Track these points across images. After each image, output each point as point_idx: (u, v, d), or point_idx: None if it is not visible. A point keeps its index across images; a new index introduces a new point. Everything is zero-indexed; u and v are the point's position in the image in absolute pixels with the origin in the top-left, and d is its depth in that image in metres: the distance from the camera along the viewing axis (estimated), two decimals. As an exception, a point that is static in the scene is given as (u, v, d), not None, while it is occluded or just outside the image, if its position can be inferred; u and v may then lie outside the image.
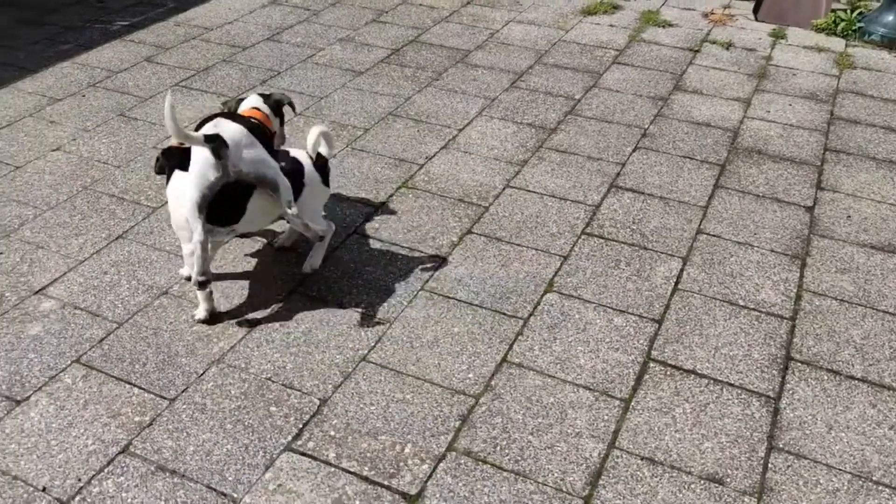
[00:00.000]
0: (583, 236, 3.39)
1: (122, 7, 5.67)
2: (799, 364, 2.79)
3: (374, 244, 3.30)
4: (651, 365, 2.76)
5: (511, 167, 3.87)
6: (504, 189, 3.70)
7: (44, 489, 2.26)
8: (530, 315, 2.95)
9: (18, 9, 5.60)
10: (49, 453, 2.37)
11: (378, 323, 2.89)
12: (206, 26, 5.38)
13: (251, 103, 3.00)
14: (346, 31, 5.38)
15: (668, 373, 2.74)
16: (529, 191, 3.69)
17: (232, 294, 3.00)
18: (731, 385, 2.69)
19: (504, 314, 2.95)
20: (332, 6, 5.79)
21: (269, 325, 2.87)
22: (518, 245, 3.32)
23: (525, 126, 4.25)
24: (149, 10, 5.62)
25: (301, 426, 2.48)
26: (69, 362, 2.69)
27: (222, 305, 2.95)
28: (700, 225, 3.51)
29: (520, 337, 2.85)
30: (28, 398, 2.55)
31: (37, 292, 2.99)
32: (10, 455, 2.36)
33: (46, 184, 3.63)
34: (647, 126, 4.30)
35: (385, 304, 2.98)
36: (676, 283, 3.15)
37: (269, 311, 2.93)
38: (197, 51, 5.02)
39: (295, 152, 3.04)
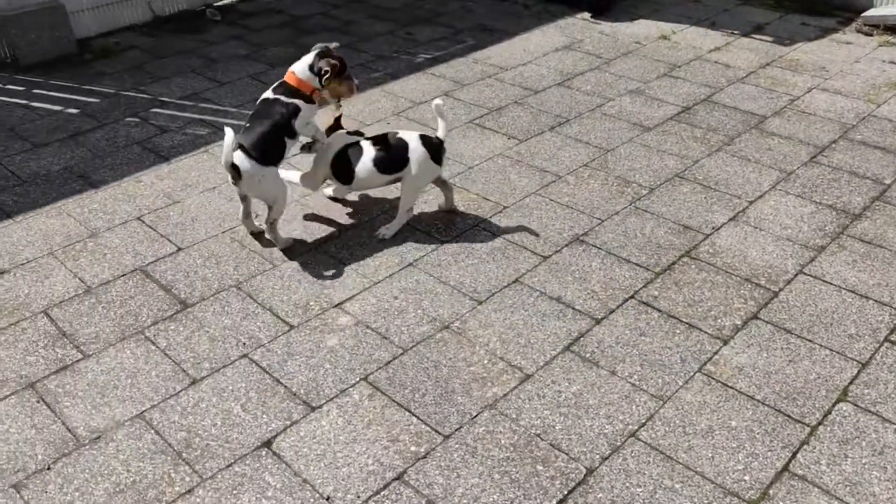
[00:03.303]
0: (886, 343, 3.08)
1: (428, 41, 6.08)
2: None
3: (652, 314, 3.23)
4: (961, 511, 2.44)
5: (806, 251, 3.62)
6: (797, 275, 3.46)
7: (328, 498, 2.46)
8: (819, 423, 2.73)
9: (338, 34, 6.20)
10: (335, 464, 2.57)
11: (651, 399, 2.82)
12: (501, 66, 5.61)
13: (294, 66, 3.52)
14: (637, 83, 5.36)
15: (982, 525, 2.40)
16: (826, 282, 3.42)
17: (508, 340, 3.08)
18: None
19: (789, 417, 2.75)
20: (625, 56, 5.78)
21: (541, 379, 2.91)
22: (810, 341, 3.09)
23: (825, 207, 3.96)
24: (450, 46, 5.97)
25: (566, 492, 2.48)
26: (358, 379, 2.91)
27: (498, 351, 3.04)
28: None
29: (805, 446, 2.64)
30: (321, 406, 2.79)
31: (336, 306, 3.27)
32: (302, 458, 2.59)
33: (344, 202, 3.96)
34: (971, 226, 3.82)
35: (659, 380, 2.90)
36: None
37: (541, 364, 2.97)
38: (491, 90, 5.25)
39: (403, 134, 3.60)
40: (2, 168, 4.32)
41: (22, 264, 3.53)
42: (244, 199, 3.56)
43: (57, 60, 5.65)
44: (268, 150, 3.36)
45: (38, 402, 2.81)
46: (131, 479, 2.52)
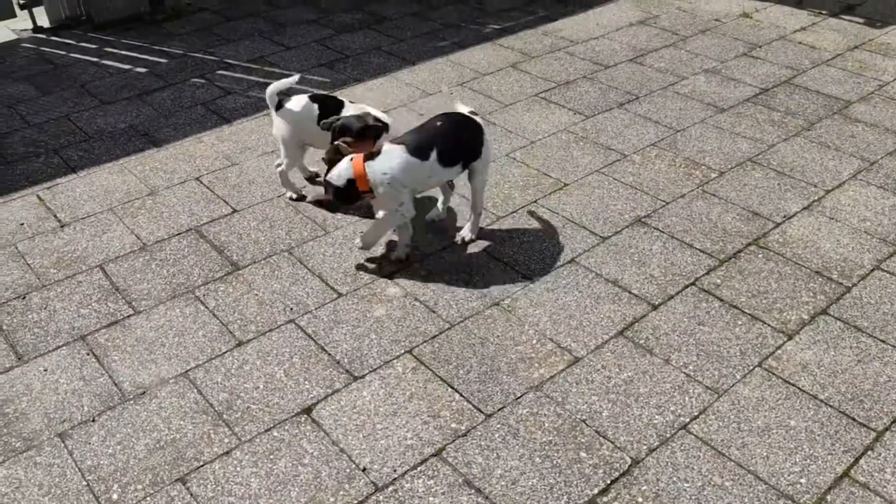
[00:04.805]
0: (967, 349, 2.87)
1: (497, 11, 5.94)
2: None
3: (713, 302, 3.08)
4: None
5: (885, 246, 3.39)
6: (873, 270, 3.25)
7: (364, 469, 2.42)
8: (886, 429, 2.56)
9: (408, 2, 6.12)
10: (373, 436, 2.53)
11: (705, 391, 2.69)
12: (572, 39, 5.44)
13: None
14: (713, 62, 5.12)
15: None
16: (905, 279, 3.21)
17: (559, 321, 2.98)
18: None
19: (853, 420, 2.59)
20: (702, 33, 5.54)
21: (591, 363, 2.81)
22: (882, 341, 2.90)
23: (909, 201, 3.71)
24: (520, 17, 5.82)
25: (609, 482, 2.38)
26: (402, 351, 2.86)
27: (547, 331, 2.94)
28: None
29: (869, 452, 2.48)
30: (364, 376, 2.75)
31: (385, 276, 3.22)
32: (341, 427, 2.56)
33: (408, 173, 3.89)
34: None
35: (715, 372, 2.77)
36: None
37: (592, 348, 2.87)
38: (560, 63, 5.09)
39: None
40: (70, 123, 4.40)
41: (82, 218, 3.58)
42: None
43: (129, 20, 5.72)
44: None
45: (87, 354, 2.84)
46: (171, 437, 2.53)
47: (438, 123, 3.15)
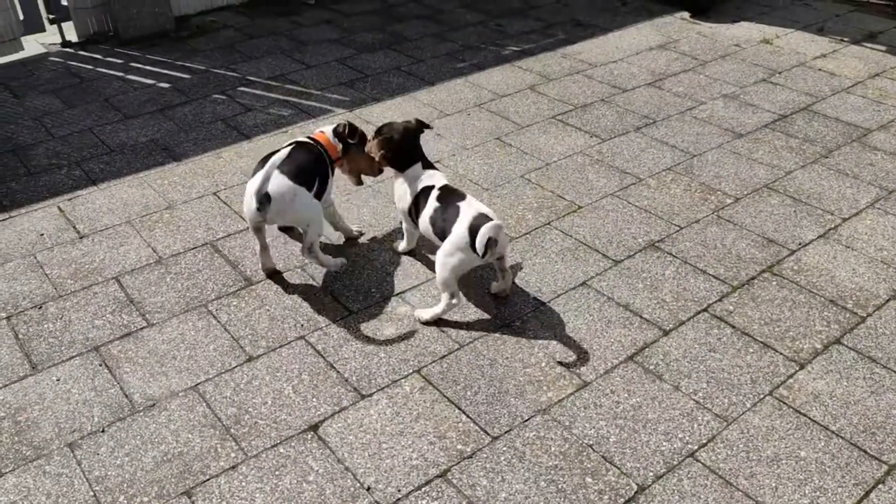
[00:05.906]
0: (983, 383, 2.83)
1: (518, 33, 5.97)
2: None
3: (725, 329, 3.06)
4: None
5: (901, 277, 3.37)
6: (889, 301, 3.22)
7: (368, 489, 2.42)
8: (899, 463, 2.52)
9: (429, 23, 6.17)
10: (379, 455, 2.53)
11: (714, 419, 2.67)
12: (591, 62, 5.46)
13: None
14: (732, 87, 5.11)
15: None
16: (921, 311, 3.17)
17: (570, 345, 2.98)
18: None
19: (865, 452, 2.55)
20: (722, 59, 5.53)
21: (600, 388, 2.79)
22: (896, 373, 2.87)
23: (927, 231, 3.67)
24: (540, 39, 5.85)
25: (614, 509, 2.37)
26: (411, 371, 2.86)
27: (557, 354, 2.94)
28: None
29: (880, 485, 2.45)
30: (371, 395, 2.76)
31: (396, 295, 3.23)
32: (346, 445, 2.57)
33: (423, 193, 3.92)
34: None
35: (725, 400, 2.74)
36: None
37: (601, 373, 2.85)
38: (578, 86, 5.10)
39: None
40: (93, 136, 4.47)
41: (101, 230, 3.64)
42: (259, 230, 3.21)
43: (155, 36, 5.82)
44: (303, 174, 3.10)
45: (100, 365, 2.88)
46: (179, 450, 2.54)
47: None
